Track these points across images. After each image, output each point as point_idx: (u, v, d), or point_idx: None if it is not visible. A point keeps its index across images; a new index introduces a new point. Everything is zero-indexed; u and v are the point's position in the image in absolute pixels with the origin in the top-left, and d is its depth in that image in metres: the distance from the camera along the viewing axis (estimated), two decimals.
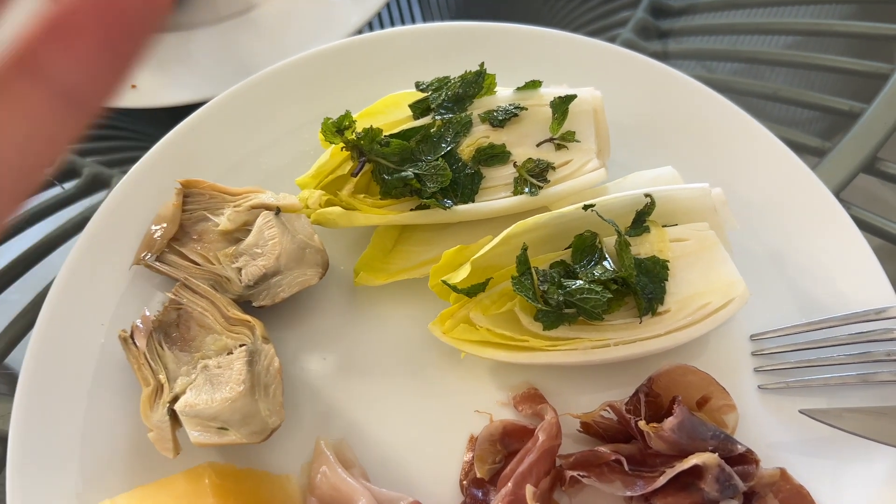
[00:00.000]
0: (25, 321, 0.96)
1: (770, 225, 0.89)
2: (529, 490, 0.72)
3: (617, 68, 0.96)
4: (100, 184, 1.08)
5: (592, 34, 1.08)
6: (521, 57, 0.96)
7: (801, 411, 0.77)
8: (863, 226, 0.99)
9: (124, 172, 0.89)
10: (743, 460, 0.75)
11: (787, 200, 0.90)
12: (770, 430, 0.81)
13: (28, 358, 0.79)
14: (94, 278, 0.85)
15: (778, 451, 0.79)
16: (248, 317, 0.79)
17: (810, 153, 1.07)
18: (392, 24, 1.38)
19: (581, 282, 0.76)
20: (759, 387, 0.82)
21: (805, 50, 1.22)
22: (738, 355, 0.85)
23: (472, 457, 0.78)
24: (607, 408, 0.78)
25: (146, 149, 0.90)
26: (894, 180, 1.05)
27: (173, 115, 0.95)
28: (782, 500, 0.76)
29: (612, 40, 1.13)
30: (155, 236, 0.86)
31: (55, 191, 1.08)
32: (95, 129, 1.18)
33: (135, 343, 0.78)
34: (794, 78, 1.32)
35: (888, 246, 0.99)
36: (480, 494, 0.76)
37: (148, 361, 0.78)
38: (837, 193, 1.03)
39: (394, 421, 0.82)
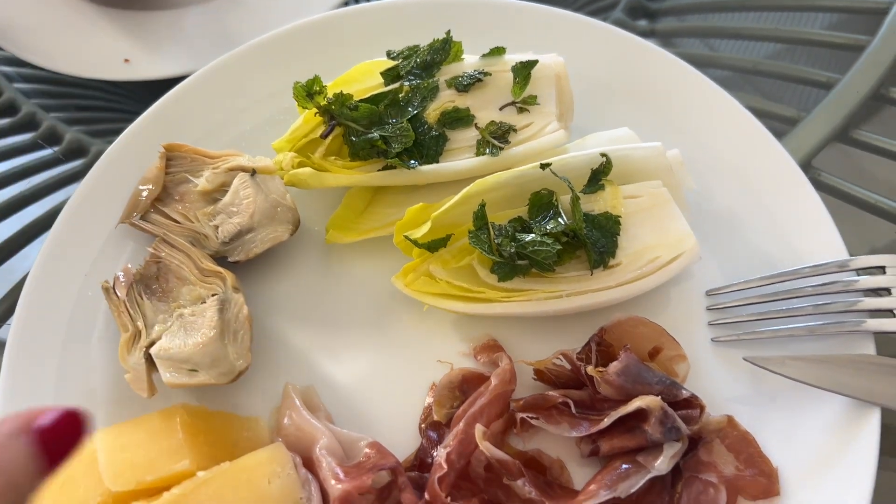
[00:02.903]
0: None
1: (728, 186, 0.92)
2: (479, 429, 0.75)
3: (581, 36, 0.99)
4: (79, 152, 1.15)
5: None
6: (489, 27, 1.00)
7: (745, 358, 0.79)
8: (834, 193, 1.01)
9: (107, 143, 0.95)
10: (688, 405, 0.77)
11: (746, 162, 0.92)
12: (721, 381, 0.83)
13: (20, 307, 0.85)
14: (83, 236, 0.91)
15: (728, 401, 0.81)
16: (220, 268, 0.84)
17: (786, 123, 1.09)
18: None
19: (533, 235, 0.80)
20: (712, 339, 0.85)
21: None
22: (693, 310, 0.87)
23: (432, 402, 0.82)
24: (560, 356, 0.82)
25: (129, 122, 0.96)
26: (866, 148, 1.06)
27: (156, 94, 1.01)
28: (728, 445, 0.78)
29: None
30: (140, 197, 0.91)
31: (43, 153, 1.17)
32: (82, 100, 1.26)
33: (116, 293, 0.84)
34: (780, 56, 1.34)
35: None
36: (436, 436, 0.80)
37: (127, 309, 0.83)
38: (810, 161, 1.05)
39: (360, 370, 0.86)
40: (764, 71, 1.19)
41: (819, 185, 0.98)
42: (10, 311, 1.02)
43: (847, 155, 1.11)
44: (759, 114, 0.95)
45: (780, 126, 1.08)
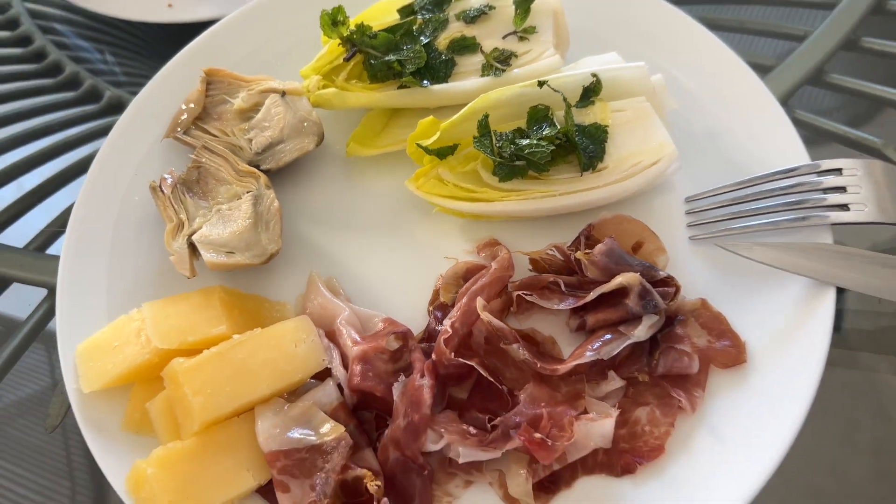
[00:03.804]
0: None
1: (707, 108, 1.03)
2: (480, 302, 0.86)
3: None
4: (118, 107, 1.28)
5: None
6: None
7: (717, 244, 0.90)
8: (808, 128, 1.12)
9: None
10: (664, 284, 0.87)
11: (722, 86, 1.03)
12: (697, 273, 0.92)
13: (78, 203, 0.97)
14: (132, 148, 1.03)
15: (703, 290, 0.91)
16: (254, 169, 0.95)
17: (764, 71, 1.20)
18: None
19: (530, 140, 0.91)
20: (689, 238, 0.95)
21: None
22: (673, 217, 0.97)
23: (439, 287, 0.93)
24: (553, 248, 0.92)
25: None
26: (837, 90, 1.17)
27: None
28: (701, 323, 0.88)
29: None
30: (183, 116, 1.03)
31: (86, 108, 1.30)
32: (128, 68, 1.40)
33: (162, 190, 0.95)
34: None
35: None
36: (442, 315, 0.90)
37: (172, 204, 0.94)
38: (785, 102, 1.15)
39: (376, 265, 0.97)
40: (750, 29, 1.29)
41: (795, 123, 1.08)
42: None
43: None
44: None
45: (758, 74, 1.19)
